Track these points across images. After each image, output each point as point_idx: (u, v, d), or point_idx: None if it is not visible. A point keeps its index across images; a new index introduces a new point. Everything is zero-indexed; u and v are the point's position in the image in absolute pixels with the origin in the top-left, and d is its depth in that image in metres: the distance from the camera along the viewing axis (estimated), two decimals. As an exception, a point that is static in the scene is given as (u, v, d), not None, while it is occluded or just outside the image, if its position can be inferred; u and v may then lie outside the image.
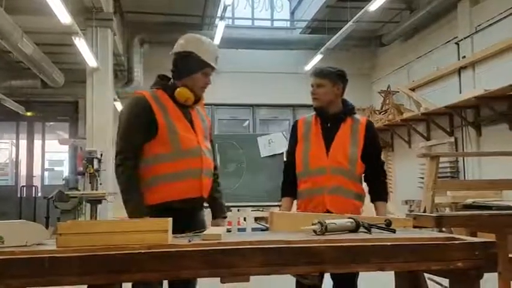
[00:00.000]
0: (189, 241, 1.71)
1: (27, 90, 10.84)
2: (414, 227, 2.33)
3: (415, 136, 9.81)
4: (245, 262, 1.52)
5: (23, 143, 12.72)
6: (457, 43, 8.62)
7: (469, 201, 3.61)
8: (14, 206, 11.66)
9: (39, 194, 12.03)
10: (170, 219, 1.73)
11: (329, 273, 2.35)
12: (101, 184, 7.03)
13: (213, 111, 11.93)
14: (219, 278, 1.55)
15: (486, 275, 1.64)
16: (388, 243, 1.63)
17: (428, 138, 9.39)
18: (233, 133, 10.59)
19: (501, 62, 7.42)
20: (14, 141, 13.04)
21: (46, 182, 12.79)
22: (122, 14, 10.33)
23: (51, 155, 13.82)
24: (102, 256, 1.48)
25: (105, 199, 6.73)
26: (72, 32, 6.81)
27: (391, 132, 10.71)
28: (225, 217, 2.63)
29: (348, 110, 2.74)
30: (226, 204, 2.76)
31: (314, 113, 2.77)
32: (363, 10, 8.26)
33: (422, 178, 7.82)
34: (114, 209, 7.60)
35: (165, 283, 2.28)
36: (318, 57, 10.37)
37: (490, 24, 7.75)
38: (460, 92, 8.36)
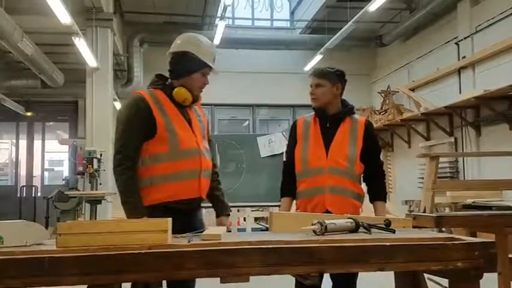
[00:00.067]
0: (189, 241, 1.71)
1: (27, 90, 10.84)
2: (414, 227, 2.33)
3: (415, 136, 9.80)
4: (245, 262, 1.52)
5: (23, 143, 12.72)
6: (457, 43, 8.61)
7: (469, 201, 3.61)
8: (14, 206, 11.62)
9: (39, 194, 12.02)
10: (170, 219, 1.73)
11: (328, 273, 2.35)
12: (100, 184, 7.02)
13: (212, 111, 11.92)
14: (218, 278, 1.55)
15: (486, 275, 1.64)
16: (388, 244, 1.63)
17: (428, 138, 9.38)
18: (233, 133, 10.56)
19: (501, 62, 7.42)
20: (14, 141, 13.02)
21: (46, 182, 12.79)
22: (122, 14, 10.34)
23: (51, 155, 13.81)
24: (102, 256, 1.48)
25: (104, 199, 6.72)
26: (72, 32, 6.80)
27: (391, 133, 10.70)
28: (229, 215, 2.63)
29: (347, 110, 2.74)
30: (226, 204, 2.76)
31: (313, 113, 2.77)
32: (362, 10, 8.25)
33: (422, 178, 7.81)
34: (113, 209, 7.61)
35: (165, 283, 2.27)
36: (317, 58, 10.36)
37: (490, 25, 7.74)
38: (460, 92, 8.35)
